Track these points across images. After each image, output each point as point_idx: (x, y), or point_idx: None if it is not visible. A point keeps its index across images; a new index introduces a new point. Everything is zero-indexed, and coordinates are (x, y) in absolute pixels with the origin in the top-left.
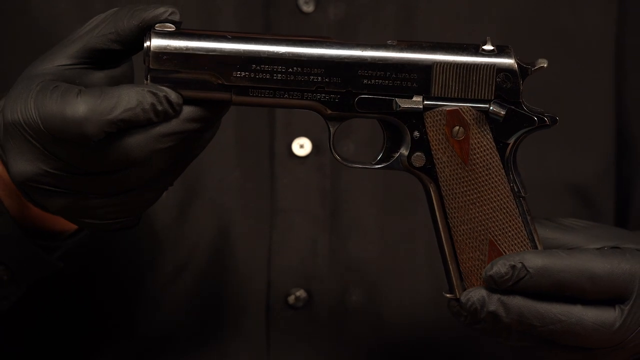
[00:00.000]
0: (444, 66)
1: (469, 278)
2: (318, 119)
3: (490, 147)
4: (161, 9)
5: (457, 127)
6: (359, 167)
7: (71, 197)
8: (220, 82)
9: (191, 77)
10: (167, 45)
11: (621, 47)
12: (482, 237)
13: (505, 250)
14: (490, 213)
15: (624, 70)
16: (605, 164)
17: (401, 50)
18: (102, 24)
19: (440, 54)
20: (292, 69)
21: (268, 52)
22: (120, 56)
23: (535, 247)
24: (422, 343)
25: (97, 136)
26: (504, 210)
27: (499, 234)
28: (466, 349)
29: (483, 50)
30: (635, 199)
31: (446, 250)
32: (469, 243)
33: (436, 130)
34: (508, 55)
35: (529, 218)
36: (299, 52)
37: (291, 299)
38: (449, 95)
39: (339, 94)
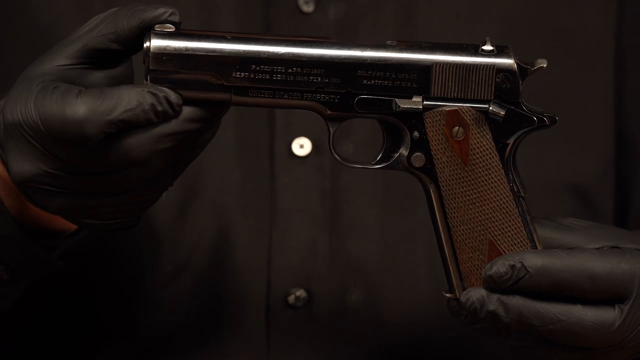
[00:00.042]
0: (443, 66)
1: (468, 278)
2: (318, 119)
3: (490, 147)
4: (161, 10)
5: (456, 128)
6: (359, 167)
7: (71, 197)
8: (219, 82)
9: (191, 78)
10: (167, 46)
11: (621, 47)
12: (482, 237)
13: (505, 250)
14: (490, 213)
15: (624, 70)
16: (605, 164)
17: (401, 50)
18: (101, 24)
19: (439, 54)
20: (292, 70)
21: (267, 52)
22: (119, 56)
23: (535, 247)
24: (422, 343)
25: (97, 137)
26: (504, 211)
27: (499, 234)
28: (466, 349)
29: (482, 50)
30: (634, 199)
31: (446, 250)
32: (469, 243)
33: (436, 131)
34: (507, 56)
35: (528, 218)
36: (299, 53)
37: (291, 298)
38: (449, 96)
39: (338, 94)
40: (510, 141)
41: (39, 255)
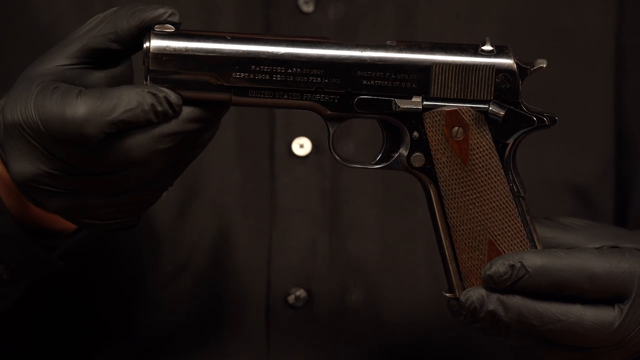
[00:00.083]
0: (443, 67)
1: (468, 278)
2: (318, 118)
3: (490, 148)
4: (161, 10)
5: (456, 128)
6: (359, 167)
7: (71, 198)
8: (219, 82)
9: (191, 78)
10: (167, 47)
11: (621, 47)
12: (482, 237)
13: (505, 250)
14: (490, 213)
15: (624, 70)
16: (605, 164)
17: (400, 50)
18: (101, 24)
19: (439, 55)
20: (292, 70)
21: (267, 52)
22: (119, 56)
23: (535, 247)
24: (422, 343)
25: (97, 137)
26: (504, 210)
27: (499, 234)
28: (466, 349)
29: (482, 50)
30: (634, 199)
31: (446, 250)
32: (469, 243)
33: (435, 131)
34: (507, 56)
35: (528, 218)
36: (298, 53)
37: (291, 298)
38: (448, 96)
39: (338, 94)
40: (510, 141)
41: (39, 255)
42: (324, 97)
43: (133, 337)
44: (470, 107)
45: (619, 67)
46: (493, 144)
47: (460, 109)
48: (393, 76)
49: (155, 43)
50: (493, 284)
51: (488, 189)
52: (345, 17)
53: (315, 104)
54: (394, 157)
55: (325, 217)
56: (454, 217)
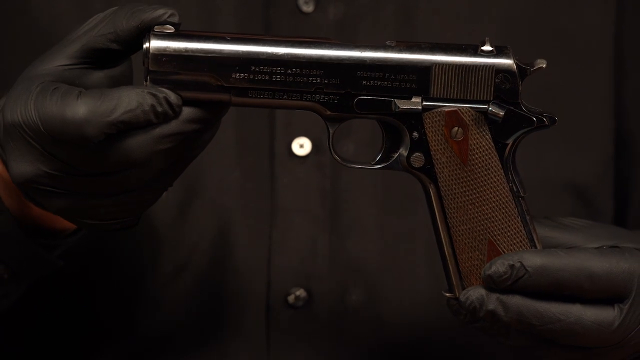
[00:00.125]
0: (443, 67)
1: (468, 277)
2: (318, 118)
3: (489, 148)
4: (160, 11)
5: (456, 128)
6: (359, 167)
7: (71, 198)
8: (219, 83)
9: (190, 79)
10: (167, 47)
11: (620, 47)
12: (481, 237)
13: (505, 250)
14: (490, 213)
15: (624, 70)
16: (605, 164)
17: (400, 51)
18: (101, 24)
19: (439, 55)
20: (291, 70)
21: (267, 53)
22: (119, 56)
23: (535, 247)
24: (422, 343)
25: (97, 138)
26: (503, 210)
27: (498, 234)
28: (466, 349)
29: (482, 51)
30: (634, 199)
31: (445, 250)
32: (468, 243)
33: (435, 131)
34: (507, 56)
35: (528, 218)
36: (298, 54)
37: (291, 298)
38: (448, 96)
39: (338, 95)
40: (510, 141)
41: (39, 255)
42: (323, 98)
43: (133, 337)
44: (469, 107)
45: (619, 67)
46: (493, 144)
47: (459, 109)
48: (393, 76)
49: (155, 44)
50: (493, 284)
51: (488, 189)
52: (345, 17)
53: (315, 104)
54: (393, 157)
55: (325, 217)
56: (453, 217)
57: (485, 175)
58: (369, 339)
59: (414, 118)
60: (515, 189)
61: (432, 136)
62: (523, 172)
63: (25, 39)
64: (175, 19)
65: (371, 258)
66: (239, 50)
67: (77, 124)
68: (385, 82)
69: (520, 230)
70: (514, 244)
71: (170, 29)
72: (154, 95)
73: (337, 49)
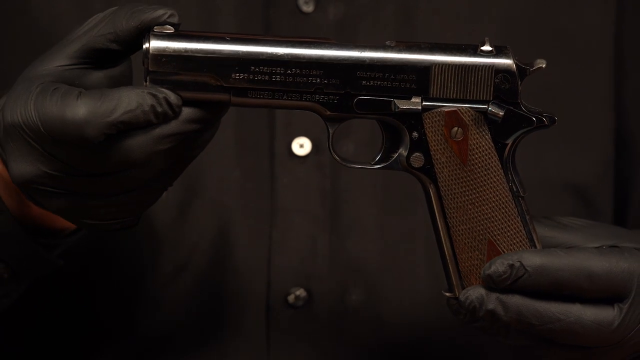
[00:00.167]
0: (442, 67)
1: (468, 277)
2: (318, 118)
3: (489, 148)
4: (160, 11)
5: (455, 128)
6: (358, 167)
7: (71, 198)
8: (219, 83)
9: (190, 79)
10: (166, 48)
11: (620, 47)
12: (481, 236)
13: (504, 250)
14: (489, 213)
15: (624, 70)
16: (605, 164)
17: (400, 51)
18: (100, 24)
19: (438, 55)
20: (291, 71)
21: (267, 53)
22: (119, 56)
23: (534, 247)
24: (422, 343)
25: (97, 138)
26: (503, 210)
27: (498, 234)
28: (466, 349)
29: (481, 51)
30: (634, 199)
31: (445, 250)
32: (468, 243)
33: (435, 131)
34: (506, 56)
35: (527, 218)
36: (298, 54)
37: (291, 298)
38: (448, 96)
39: (337, 95)
40: (509, 141)
41: (39, 254)
42: (323, 98)
43: (133, 337)
44: (469, 107)
45: (619, 67)
46: (492, 144)
47: (459, 110)
48: (392, 77)
49: (154, 44)
50: (492, 284)
51: (487, 189)
52: (345, 17)
53: (314, 104)
54: (393, 157)
55: (325, 217)
56: (453, 217)
57: (485, 175)
58: (369, 339)
59: (414, 118)
60: (515, 189)
61: (431, 136)
62: (523, 172)
63: (25, 39)
64: (175, 20)
65: (371, 258)
66: (238, 51)
67: (77, 124)
68: (385, 82)
69: (520, 230)
70: (514, 243)
71: (170, 30)
72: (154, 96)
73: (337, 49)
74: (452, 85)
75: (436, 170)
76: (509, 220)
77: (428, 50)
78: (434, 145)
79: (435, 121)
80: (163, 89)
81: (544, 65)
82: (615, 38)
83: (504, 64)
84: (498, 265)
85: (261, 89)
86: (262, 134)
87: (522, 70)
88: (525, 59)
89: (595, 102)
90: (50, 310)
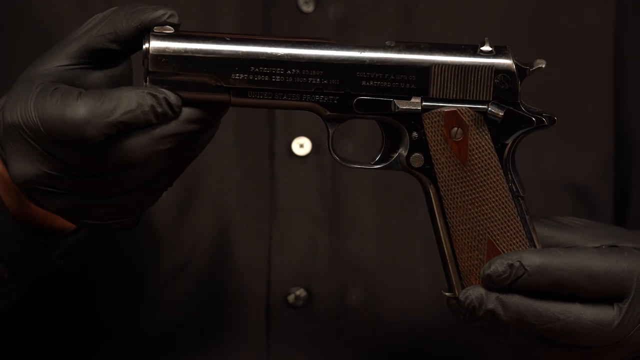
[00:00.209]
0: (442, 67)
1: (467, 277)
2: (318, 118)
3: (489, 148)
4: (160, 12)
5: (455, 128)
6: (358, 167)
7: (71, 198)
8: (219, 84)
9: (190, 79)
10: (166, 48)
11: (620, 47)
12: (481, 236)
13: (504, 250)
14: (489, 213)
15: (624, 70)
16: (605, 164)
17: (399, 51)
18: (100, 24)
19: (438, 55)
20: (291, 71)
21: (266, 54)
22: (118, 56)
23: (534, 247)
24: (422, 343)
25: (97, 138)
26: (503, 210)
27: (498, 234)
28: (466, 349)
29: (481, 51)
30: (633, 199)
31: (445, 250)
32: (468, 243)
33: (434, 131)
34: (506, 56)
35: (527, 218)
36: (298, 54)
37: (291, 298)
38: (448, 97)
39: (337, 95)
40: (509, 141)
41: (39, 254)
42: (323, 98)
43: (133, 337)
44: (469, 107)
45: (619, 67)
46: (492, 144)
47: (459, 110)
48: (392, 77)
49: (154, 44)
50: (492, 283)
51: (487, 189)
52: (345, 17)
53: (314, 104)
54: (393, 157)
55: (325, 217)
56: (453, 217)
57: (485, 175)
58: (369, 339)
59: (414, 118)
60: (514, 189)
61: (431, 136)
62: (523, 172)
63: (25, 39)
64: (175, 20)
65: (371, 258)
66: (238, 51)
67: (77, 124)
68: (385, 83)
69: (520, 230)
70: (514, 243)
71: (169, 30)
72: (154, 96)
73: (337, 50)
74: (452, 85)
75: (436, 170)
76: (508, 220)
77: (428, 51)
78: (434, 146)
79: (435, 121)
80: (163, 89)
81: (543, 66)
82: (615, 38)
83: (504, 64)
84: (498, 265)
85: (261, 89)
86: (262, 134)
87: (521, 71)
88: (525, 59)
89: (595, 102)
90: (50, 310)
